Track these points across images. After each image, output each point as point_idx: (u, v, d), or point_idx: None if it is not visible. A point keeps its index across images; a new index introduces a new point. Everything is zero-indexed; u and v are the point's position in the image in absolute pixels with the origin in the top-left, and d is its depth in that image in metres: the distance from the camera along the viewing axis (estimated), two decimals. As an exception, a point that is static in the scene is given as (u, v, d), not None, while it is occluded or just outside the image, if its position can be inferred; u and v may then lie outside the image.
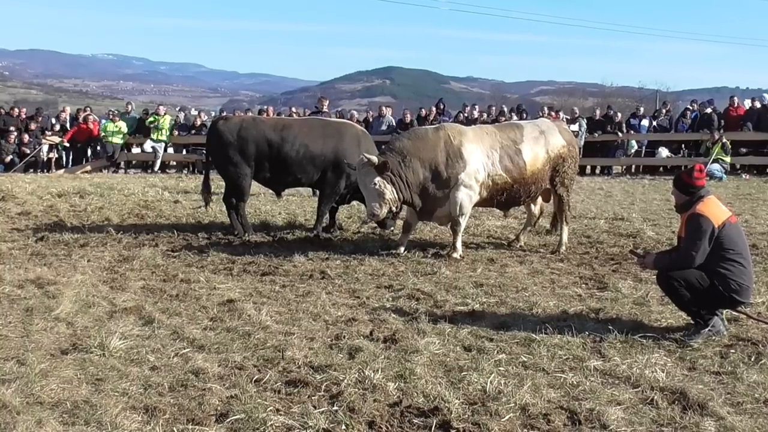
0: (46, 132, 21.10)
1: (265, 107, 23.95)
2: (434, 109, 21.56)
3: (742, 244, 5.85)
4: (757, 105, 20.45)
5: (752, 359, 5.23)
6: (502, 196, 8.99)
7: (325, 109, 18.35)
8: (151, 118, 20.95)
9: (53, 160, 20.88)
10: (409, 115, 21.09)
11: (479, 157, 8.73)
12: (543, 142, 9.06)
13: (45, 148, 20.54)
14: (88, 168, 20.34)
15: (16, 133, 19.79)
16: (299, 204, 12.99)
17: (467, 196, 8.73)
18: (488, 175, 8.77)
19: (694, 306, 5.75)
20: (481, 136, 8.93)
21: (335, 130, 10.18)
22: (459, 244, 8.91)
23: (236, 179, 9.96)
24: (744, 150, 19.81)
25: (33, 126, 20.39)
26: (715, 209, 5.79)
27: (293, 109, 23.24)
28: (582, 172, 20.25)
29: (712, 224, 5.66)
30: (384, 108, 21.66)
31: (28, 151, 19.72)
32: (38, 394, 4.38)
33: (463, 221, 8.92)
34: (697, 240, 5.67)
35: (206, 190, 10.49)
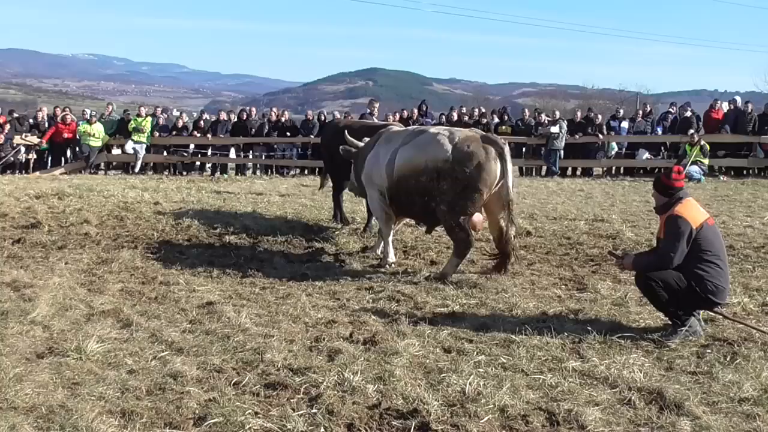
0: (25, 134, 20.81)
1: (248, 108, 23.83)
2: (416, 110, 21.52)
3: (719, 246, 5.91)
4: (734, 107, 20.64)
5: (728, 359, 5.29)
6: (397, 205, 8.34)
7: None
8: (133, 123, 20.74)
9: (31, 161, 20.64)
10: (391, 117, 21.04)
11: (374, 161, 8.42)
12: (424, 150, 7.83)
13: (22, 149, 20.29)
14: (64, 170, 20.13)
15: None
16: (280, 205, 12.95)
17: (372, 200, 8.61)
18: (383, 178, 8.24)
19: (672, 307, 5.80)
20: (390, 138, 8.48)
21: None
22: (387, 251, 8.51)
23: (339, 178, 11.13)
24: (722, 152, 20.00)
25: (7, 128, 20.09)
26: (693, 211, 5.85)
27: (274, 110, 23.07)
28: (563, 173, 20.39)
29: (690, 226, 5.72)
30: (374, 103, 21.40)
31: (3, 153, 19.49)
32: (12, 399, 4.33)
33: (383, 225, 8.59)
34: (675, 241, 5.73)
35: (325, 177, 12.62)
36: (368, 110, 20.14)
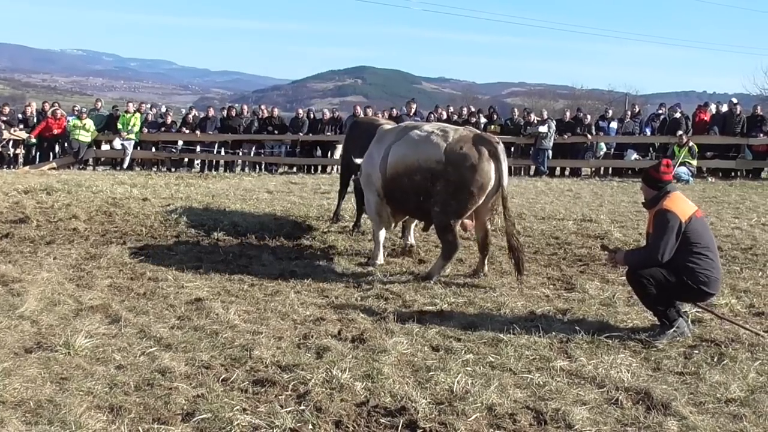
0: (13, 128, 20.66)
1: (237, 105, 23.77)
2: (405, 109, 21.51)
3: (709, 238, 5.94)
4: (723, 109, 20.76)
5: (715, 360, 5.32)
6: (392, 203, 8.21)
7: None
8: (122, 122, 20.63)
9: (20, 156, 20.51)
10: (380, 115, 21.04)
11: (369, 162, 8.36)
12: (416, 149, 7.73)
13: (10, 143, 20.15)
14: (54, 165, 20.02)
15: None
16: (269, 203, 12.94)
17: (369, 202, 8.48)
18: (378, 178, 8.15)
19: (662, 305, 5.82)
20: (382, 136, 8.38)
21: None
22: (376, 252, 8.45)
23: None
24: (710, 153, 20.12)
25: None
26: (681, 204, 5.88)
27: (262, 107, 23.03)
28: (551, 173, 20.45)
29: (679, 219, 5.74)
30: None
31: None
32: (0, 394, 4.31)
33: (376, 226, 8.48)
34: (664, 235, 5.75)
35: None
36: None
